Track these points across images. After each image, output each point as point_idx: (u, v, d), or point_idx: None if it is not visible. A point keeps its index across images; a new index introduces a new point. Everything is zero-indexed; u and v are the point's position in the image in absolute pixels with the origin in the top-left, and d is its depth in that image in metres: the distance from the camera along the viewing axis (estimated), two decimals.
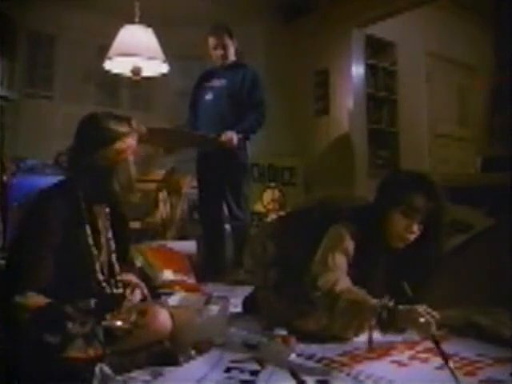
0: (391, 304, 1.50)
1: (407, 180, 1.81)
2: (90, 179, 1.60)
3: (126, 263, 1.77)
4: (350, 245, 1.77)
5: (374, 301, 1.55)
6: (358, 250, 1.77)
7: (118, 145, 1.60)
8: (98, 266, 1.61)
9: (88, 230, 1.59)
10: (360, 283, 1.69)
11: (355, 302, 1.60)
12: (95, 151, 1.59)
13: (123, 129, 1.62)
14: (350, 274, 1.74)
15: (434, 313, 1.45)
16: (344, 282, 1.67)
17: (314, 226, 1.90)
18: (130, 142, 1.63)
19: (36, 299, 1.42)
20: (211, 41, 3.34)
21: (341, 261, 1.74)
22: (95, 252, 1.60)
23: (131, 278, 1.73)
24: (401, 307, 1.49)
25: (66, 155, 1.72)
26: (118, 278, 1.67)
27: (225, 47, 3.33)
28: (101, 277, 1.61)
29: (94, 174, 1.60)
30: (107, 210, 1.70)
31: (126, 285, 1.69)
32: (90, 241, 1.59)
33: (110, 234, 1.69)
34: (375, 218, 1.78)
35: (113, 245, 1.69)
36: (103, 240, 1.66)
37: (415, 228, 1.74)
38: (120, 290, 1.66)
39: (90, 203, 1.62)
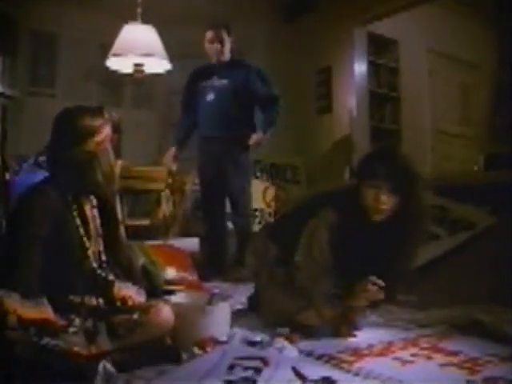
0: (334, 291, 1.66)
1: (370, 154, 1.98)
2: (74, 173, 1.63)
3: (118, 252, 1.80)
4: (324, 236, 1.87)
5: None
6: (340, 229, 1.85)
7: (96, 138, 1.64)
8: (91, 254, 1.64)
9: (78, 221, 1.63)
10: (346, 260, 1.78)
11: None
12: (75, 147, 1.62)
13: (98, 122, 1.66)
14: (336, 251, 1.84)
15: (379, 281, 1.58)
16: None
17: (306, 222, 1.94)
18: (107, 131, 1.68)
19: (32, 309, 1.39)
20: (209, 34, 3.31)
21: (318, 253, 1.85)
22: (87, 241, 1.64)
23: (129, 292, 1.69)
24: (347, 286, 1.63)
25: (45, 153, 1.75)
26: (116, 290, 1.67)
27: (222, 42, 3.29)
28: (94, 264, 1.65)
29: (76, 167, 1.63)
30: (93, 199, 1.73)
31: (125, 300, 1.66)
32: (81, 231, 1.63)
33: (97, 223, 1.72)
34: (351, 195, 1.89)
35: (101, 232, 1.72)
36: (93, 229, 1.69)
37: (383, 198, 1.80)
38: (111, 277, 1.68)
39: (77, 195, 1.66)
